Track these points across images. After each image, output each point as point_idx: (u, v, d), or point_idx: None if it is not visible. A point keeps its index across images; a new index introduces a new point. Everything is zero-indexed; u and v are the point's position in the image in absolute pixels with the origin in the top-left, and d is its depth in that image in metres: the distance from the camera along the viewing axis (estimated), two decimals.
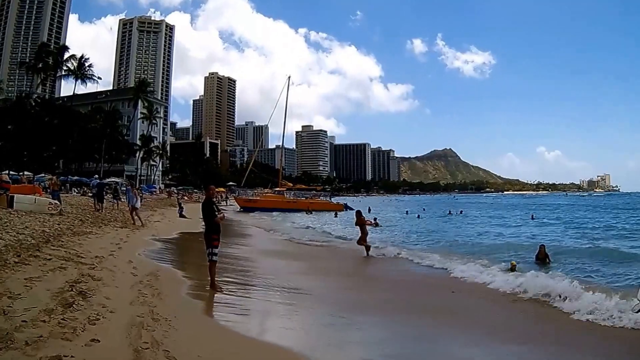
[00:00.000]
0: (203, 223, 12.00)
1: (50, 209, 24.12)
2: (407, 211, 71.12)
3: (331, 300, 12.00)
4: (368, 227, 38.48)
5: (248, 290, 12.23)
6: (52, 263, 10.58)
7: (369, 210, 72.50)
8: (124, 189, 46.36)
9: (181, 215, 40.63)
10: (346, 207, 77.03)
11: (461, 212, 65.90)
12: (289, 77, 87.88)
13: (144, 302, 8.60)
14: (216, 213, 11.41)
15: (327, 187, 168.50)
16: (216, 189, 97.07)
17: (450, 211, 66.14)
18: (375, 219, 40.69)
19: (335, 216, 59.72)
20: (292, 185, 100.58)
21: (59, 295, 7.75)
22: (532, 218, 53.28)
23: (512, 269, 16.44)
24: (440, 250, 23.00)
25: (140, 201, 44.71)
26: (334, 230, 36.13)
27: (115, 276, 10.50)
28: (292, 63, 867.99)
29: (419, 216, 58.43)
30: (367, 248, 21.98)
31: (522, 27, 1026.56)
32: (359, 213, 23.70)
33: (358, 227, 23.07)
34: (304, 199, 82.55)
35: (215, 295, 10.82)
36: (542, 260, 18.66)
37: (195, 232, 25.99)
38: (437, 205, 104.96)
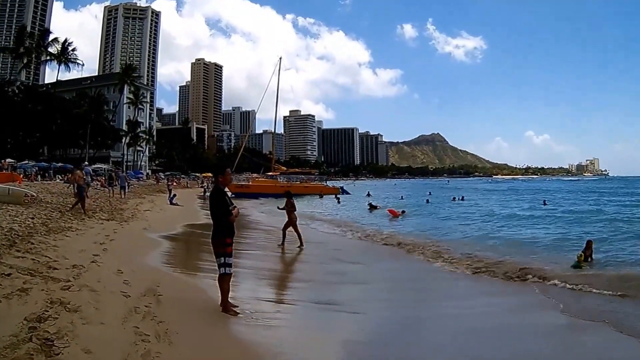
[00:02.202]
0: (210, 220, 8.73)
1: (26, 201, 20.92)
2: (401, 196, 68.54)
3: None
4: (395, 218, 36.12)
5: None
6: (11, 282, 7.39)
7: (368, 194, 69.92)
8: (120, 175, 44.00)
9: (172, 203, 37.46)
10: (342, 191, 74.84)
11: (462, 198, 63.15)
12: (280, 58, 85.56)
13: (147, 353, 5.45)
14: (231, 209, 8.01)
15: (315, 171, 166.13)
16: (204, 175, 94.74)
17: (454, 197, 63.31)
18: (403, 211, 38.04)
19: (339, 202, 56.86)
20: (285, 169, 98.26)
21: (8, 355, 4.65)
22: (545, 204, 50.87)
23: (579, 263, 13.99)
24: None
25: (128, 187, 42.00)
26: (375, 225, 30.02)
27: (100, 300, 7.27)
28: (280, 49, 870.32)
29: (427, 201, 55.56)
30: (300, 240, 18.59)
31: (513, 12, 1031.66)
32: (289, 194, 20.15)
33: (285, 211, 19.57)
34: (297, 182, 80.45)
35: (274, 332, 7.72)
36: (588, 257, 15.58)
37: (203, 224, 23.03)
38: (434, 190, 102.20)
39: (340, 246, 20.39)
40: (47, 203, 22.97)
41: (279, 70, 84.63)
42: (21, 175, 46.45)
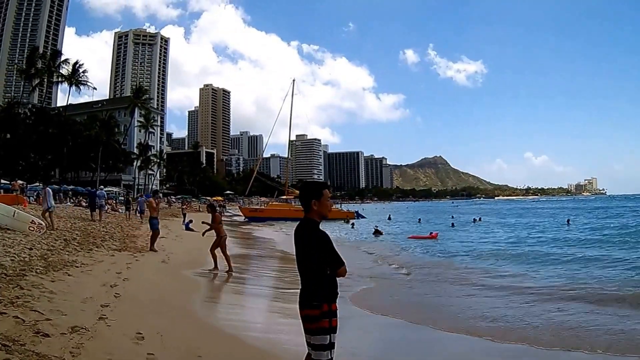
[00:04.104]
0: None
1: (32, 228, 17.56)
2: (419, 219, 65.45)
3: None
4: (430, 240, 33.25)
5: None
6: None
7: (389, 217, 66.97)
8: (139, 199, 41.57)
9: (187, 228, 34.27)
10: (357, 215, 71.33)
11: (480, 219, 60.75)
12: (294, 81, 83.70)
13: None
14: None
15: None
16: (214, 198, 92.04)
17: (474, 219, 60.62)
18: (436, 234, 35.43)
19: (352, 227, 53.64)
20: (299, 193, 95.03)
21: None
22: (568, 223, 48.23)
23: None
24: None
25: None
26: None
27: None
28: (287, 75, 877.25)
29: (452, 225, 52.38)
30: (229, 266, 15.25)
31: (512, 36, 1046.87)
32: (212, 207, 17.02)
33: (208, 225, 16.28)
34: None
35: None
36: None
37: (237, 255, 19.57)
38: (445, 213, 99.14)
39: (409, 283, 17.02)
40: (54, 229, 19.73)
41: (292, 92, 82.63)
42: (31, 199, 43.70)
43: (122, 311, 7.94)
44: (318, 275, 4.51)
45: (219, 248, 15.60)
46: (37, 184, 62.32)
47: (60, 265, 11.47)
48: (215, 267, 15.37)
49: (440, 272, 18.11)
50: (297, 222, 4.75)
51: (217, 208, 20.62)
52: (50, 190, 23.70)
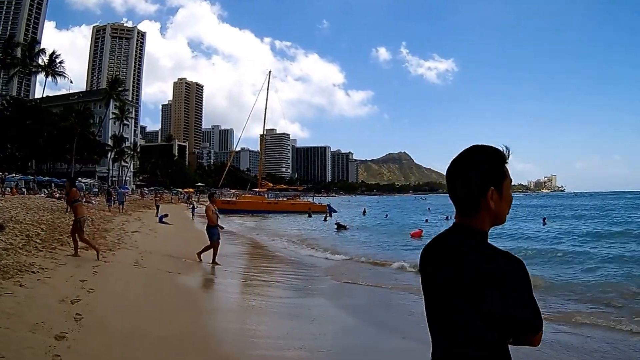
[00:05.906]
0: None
1: None
2: (386, 215, 63.53)
3: None
4: (419, 238, 31.29)
5: None
6: None
7: (364, 212, 64.92)
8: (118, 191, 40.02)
9: (161, 222, 31.70)
10: (329, 209, 68.36)
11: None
12: (270, 72, 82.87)
13: None
14: None
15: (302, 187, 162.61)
16: (185, 190, 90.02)
17: (447, 217, 58.37)
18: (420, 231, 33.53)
19: (325, 220, 51.22)
20: (272, 185, 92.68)
21: None
22: (544, 223, 46.18)
23: None
24: None
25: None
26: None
27: None
28: (259, 70, 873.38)
29: (427, 220, 50.31)
30: (94, 248, 12.44)
31: (483, 36, 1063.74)
32: (72, 182, 14.14)
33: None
34: (284, 199, 75.56)
35: None
36: None
37: (225, 255, 16.55)
38: (414, 208, 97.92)
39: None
40: (18, 222, 16.68)
41: (268, 84, 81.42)
42: (7, 190, 41.12)
43: (84, 348, 5.58)
44: (489, 344, 1.87)
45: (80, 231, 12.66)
46: (13, 174, 59.54)
47: (14, 270, 8.94)
48: (76, 253, 12.24)
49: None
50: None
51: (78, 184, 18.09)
52: None
